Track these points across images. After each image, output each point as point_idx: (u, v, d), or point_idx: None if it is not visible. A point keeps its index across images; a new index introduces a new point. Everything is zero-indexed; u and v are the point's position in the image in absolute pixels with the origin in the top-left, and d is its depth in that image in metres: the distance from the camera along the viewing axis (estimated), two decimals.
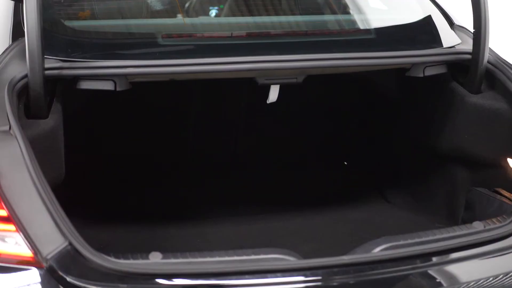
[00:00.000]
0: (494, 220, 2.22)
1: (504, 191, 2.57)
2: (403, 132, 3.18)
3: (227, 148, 3.56)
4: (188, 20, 2.76)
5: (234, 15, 3.04)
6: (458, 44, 2.75)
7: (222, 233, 2.91)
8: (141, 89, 3.05)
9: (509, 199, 2.50)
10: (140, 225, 2.94)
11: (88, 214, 2.95)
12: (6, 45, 2.45)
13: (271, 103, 2.99)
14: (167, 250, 1.97)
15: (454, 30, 2.87)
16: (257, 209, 3.16)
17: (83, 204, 3.01)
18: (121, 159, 3.36)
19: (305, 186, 3.43)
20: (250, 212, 3.12)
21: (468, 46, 2.66)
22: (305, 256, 2.02)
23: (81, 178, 3.08)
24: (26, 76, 2.19)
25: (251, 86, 2.83)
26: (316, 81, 3.24)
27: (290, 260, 1.93)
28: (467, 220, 2.67)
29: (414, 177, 3.17)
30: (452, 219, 2.86)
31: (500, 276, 2.02)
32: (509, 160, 2.61)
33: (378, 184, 3.37)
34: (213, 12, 3.11)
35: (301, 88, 3.30)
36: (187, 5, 3.17)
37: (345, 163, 3.64)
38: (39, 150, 2.19)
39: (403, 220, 3.04)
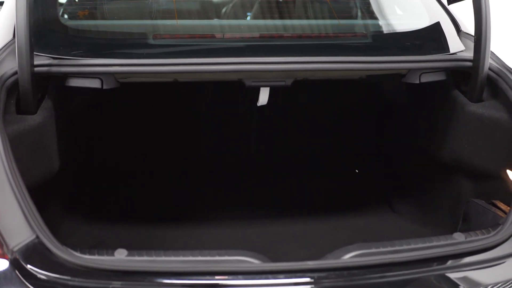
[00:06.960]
0: (477, 232, 2.15)
1: (500, 203, 2.47)
2: (409, 140, 3.11)
3: (239, 149, 3.55)
4: (180, 21, 2.76)
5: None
6: (461, 51, 2.67)
7: (218, 235, 2.90)
8: (148, 90, 3.08)
9: (503, 211, 2.41)
10: (138, 224, 2.96)
11: (88, 212, 3.00)
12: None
13: (280, 107, 2.95)
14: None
15: (460, 37, 2.79)
16: (259, 212, 3.14)
17: (83, 202, 3.06)
18: (125, 158, 3.40)
19: (312, 191, 3.40)
20: (252, 216, 3.10)
21: (472, 53, 2.58)
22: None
23: (81, 176, 3.13)
24: (16, 72, 2.23)
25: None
26: (327, 87, 3.20)
27: (254, 263, 1.91)
28: (464, 232, 2.58)
29: (421, 188, 3.09)
30: (455, 231, 2.77)
31: None
32: (508, 172, 2.52)
33: (386, 193, 3.31)
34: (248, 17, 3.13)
35: (312, 93, 3.27)
36: (224, 10, 3.19)
37: (357, 170, 3.58)
38: (26, 145, 2.24)
39: (405, 230, 2.98)
